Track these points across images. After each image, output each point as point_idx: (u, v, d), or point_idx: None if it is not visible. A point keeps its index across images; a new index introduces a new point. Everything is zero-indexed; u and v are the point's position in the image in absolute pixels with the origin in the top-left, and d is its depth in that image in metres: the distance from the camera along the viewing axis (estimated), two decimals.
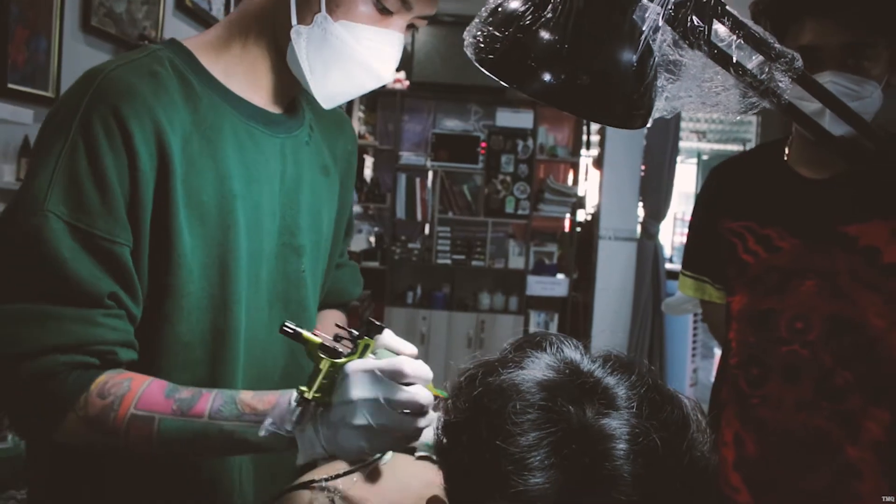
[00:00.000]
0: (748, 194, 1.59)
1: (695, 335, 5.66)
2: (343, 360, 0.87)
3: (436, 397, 0.87)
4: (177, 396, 0.93)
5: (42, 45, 2.41)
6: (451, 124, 5.90)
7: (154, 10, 3.06)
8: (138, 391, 0.92)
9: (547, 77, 0.77)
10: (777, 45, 0.87)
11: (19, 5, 2.26)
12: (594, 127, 6.33)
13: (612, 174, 5.78)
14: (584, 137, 6.25)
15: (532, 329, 6.01)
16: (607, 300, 5.79)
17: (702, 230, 1.71)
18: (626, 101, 0.80)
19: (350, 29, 1.03)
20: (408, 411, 0.85)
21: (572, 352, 0.74)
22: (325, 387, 0.86)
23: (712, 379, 1.68)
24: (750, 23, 0.86)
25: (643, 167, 5.77)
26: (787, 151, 1.56)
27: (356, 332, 0.91)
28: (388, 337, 0.91)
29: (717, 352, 5.31)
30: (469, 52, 0.80)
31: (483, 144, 5.88)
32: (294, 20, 1.03)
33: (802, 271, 1.47)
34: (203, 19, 3.53)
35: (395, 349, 0.90)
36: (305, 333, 0.88)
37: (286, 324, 0.89)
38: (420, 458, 1.02)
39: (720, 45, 0.84)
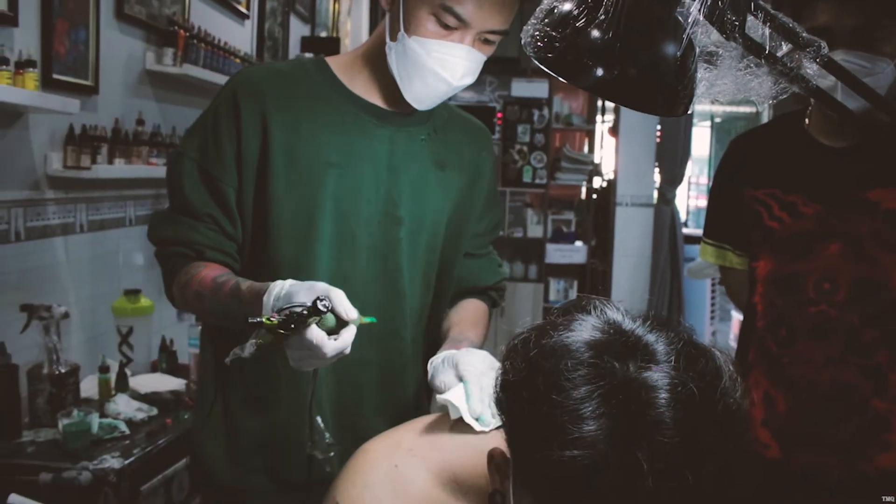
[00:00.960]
0: (771, 163, 1.64)
1: (713, 299, 5.74)
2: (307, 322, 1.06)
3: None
4: (216, 279, 1.26)
5: (81, 35, 2.49)
6: (467, 96, 5.94)
7: None
8: (202, 274, 1.28)
9: (600, 72, 0.85)
10: (804, 34, 0.95)
11: None
12: None
13: (628, 141, 5.81)
14: (599, 105, 6.29)
15: (552, 296, 6.10)
16: (625, 266, 5.86)
17: (724, 199, 1.76)
18: (670, 92, 0.88)
19: (420, 43, 1.26)
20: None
21: (614, 313, 0.82)
22: (267, 340, 1.07)
23: (730, 341, 1.75)
24: (780, 14, 0.93)
25: (658, 133, 5.81)
26: (806, 122, 1.61)
27: (305, 311, 1.07)
28: (337, 296, 1.08)
29: (735, 314, 5.38)
30: (528, 50, 0.89)
31: (499, 115, 5.94)
32: (387, 38, 1.31)
33: (827, 235, 1.53)
34: (226, 2, 3.60)
35: (341, 313, 1.09)
36: (264, 319, 1.06)
37: (249, 318, 1.08)
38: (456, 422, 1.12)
39: (753, 36, 0.92)
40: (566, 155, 6.00)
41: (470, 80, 1.31)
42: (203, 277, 1.27)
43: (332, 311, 1.08)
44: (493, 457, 0.87)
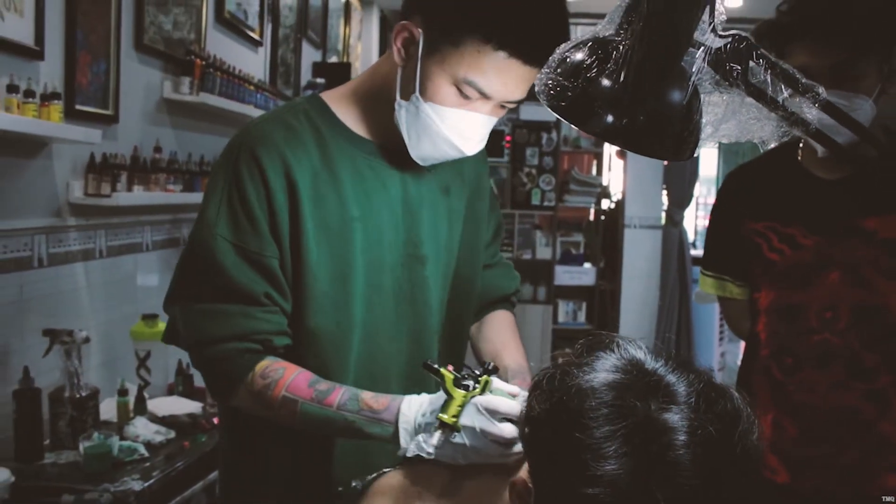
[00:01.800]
0: (768, 196, 1.68)
1: (722, 319, 5.74)
2: (472, 392, 1.07)
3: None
4: (316, 387, 1.19)
5: (102, 66, 2.56)
6: None
7: (197, 24, 3.21)
8: (290, 378, 1.19)
9: (610, 119, 0.90)
10: (804, 80, 1.00)
11: (83, 29, 2.41)
12: None
13: (636, 163, 5.86)
14: None
15: (561, 318, 6.12)
16: (634, 287, 5.89)
17: (723, 231, 1.80)
18: (677, 137, 0.93)
19: (436, 110, 1.21)
20: (495, 441, 1.04)
21: (637, 352, 0.86)
22: (457, 413, 1.06)
23: (738, 362, 1.77)
24: (780, 62, 0.98)
25: None
26: (800, 155, 1.65)
27: (478, 371, 1.10)
28: (496, 381, 1.10)
29: None
30: (542, 98, 0.94)
31: (508, 138, 6.00)
32: (398, 95, 1.24)
33: (827, 265, 1.57)
34: (240, 29, 3.68)
35: (505, 389, 1.09)
36: (443, 370, 1.08)
37: (428, 361, 1.11)
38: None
39: (755, 82, 0.97)
40: (574, 177, 6.05)
41: (482, 146, 1.28)
42: (293, 383, 1.18)
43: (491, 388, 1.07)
44: (515, 485, 0.91)
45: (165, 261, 3.03)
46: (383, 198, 1.30)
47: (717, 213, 1.84)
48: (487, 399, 1.05)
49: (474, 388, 1.07)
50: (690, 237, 6.61)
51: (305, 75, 4.69)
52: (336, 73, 4.86)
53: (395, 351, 1.33)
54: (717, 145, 1.06)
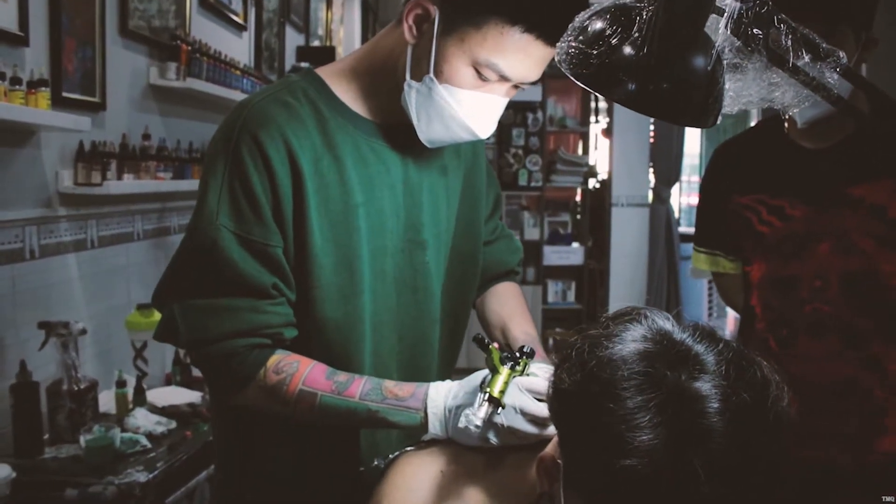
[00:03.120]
0: (755, 169, 1.68)
1: (710, 296, 5.78)
2: (517, 371, 1.07)
3: None
4: (335, 379, 1.15)
5: (88, 53, 2.51)
6: None
7: (181, 9, 3.16)
8: (305, 371, 1.15)
9: (634, 87, 0.88)
10: (825, 45, 0.99)
11: (67, 15, 2.36)
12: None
13: (622, 142, 5.87)
14: (593, 106, 6.33)
15: (551, 298, 6.13)
16: (622, 266, 5.91)
17: (712, 207, 1.80)
18: (701, 104, 0.91)
19: (452, 92, 1.15)
20: (532, 420, 1.04)
21: (665, 323, 0.85)
22: (504, 388, 1.04)
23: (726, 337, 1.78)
24: (801, 27, 0.97)
25: (652, 133, 5.86)
26: (786, 126, 1.65)
27: (517, 353, 1.10)
28: (535, 362, 1.10)
29: (730, 311, 5.43)
30: (563, 66, 0.92)
31: None
32: (408, 75, 1.18)
33: (816, 235, 1.58)
34: (224, 14, 3.62)
35: (542, 372, 1.09)
36: (492, 346, 1.06)
37: (479, 335, 1.08)
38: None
39: (774, 48, 0.96)
40: (561, 157, 6.04)
41: (494, 128, 1.22)
42: (310, 376, 1.14)
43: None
44: (543, 460, 0.90)
45: (157, 250, 2.99)
46: (385, 182, 1.24)
47: (706, 188, 1.84)
48: (530, 380, 1.06)
49: (515, 368, 1.07)
50: (676, 215, 6.63)
51: (289, 59, 4.64)
52: (320, 57, 4.82)
53: (397, 339, 1.30)
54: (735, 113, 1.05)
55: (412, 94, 1.18)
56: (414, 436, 1.17)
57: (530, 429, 1.03)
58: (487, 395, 1.02)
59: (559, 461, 0.87)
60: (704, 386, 0.76)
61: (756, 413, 0.77)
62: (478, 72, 1.14)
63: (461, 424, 1.03)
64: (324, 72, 1.26)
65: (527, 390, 1.05)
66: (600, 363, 0.81)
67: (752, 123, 5.46)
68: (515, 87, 1.20)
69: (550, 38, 1.12)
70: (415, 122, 1.20)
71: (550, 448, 0.92)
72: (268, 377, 1.15)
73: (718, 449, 0.74)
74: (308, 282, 1.18)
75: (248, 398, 1.18)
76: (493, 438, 1.05)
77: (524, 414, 1.03)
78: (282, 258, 1.16)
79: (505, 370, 1.05)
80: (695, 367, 0.78)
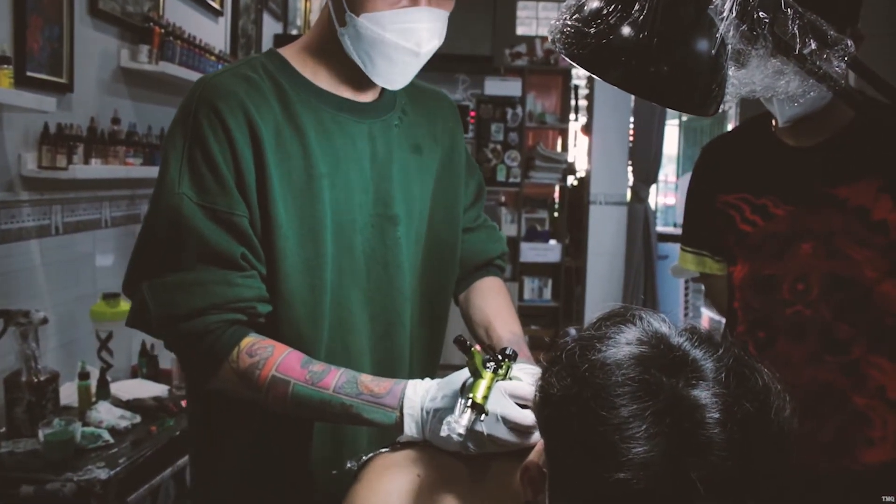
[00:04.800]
0: (741, 167, 1.65)
1: (686, 296, 5.78)
2: (500, 375, 1.01)
3: None
4: (310, 368, 1.09)
5: (55, 32, 2.41)
6: None
7: None
8: (280, 357, 1.10)
9: (633, 69, 0.83)
10: (832, 33, 0.94)
11: None
12: (582, 93, 6.37)
13: (601, 139, 5.84)
14: (573, 103, 6.30)
15: (527, 295, 6.10)
16: (599, 264, 5.89)
17: (698, 206, 1.77)
18: (704, 90, 0.86)
19: (373, 19, 1.13)
20: (514, 428, 0.98)
21: (660, 325, 0.80)
22: (487, 394, 0.98)
23: None
24: (808, 13, 0.92)
25: (631, 131, 5.84)
26: (774, 124, 1.62)
27: (499, 356, 1.03)
28: (518, 363, 1.04)
29: (705, 311, 5.45)
30: (558, 46, 0.86)
31: (472, 113, 5.92)
32: (336, 24, 1.17)
33: (799, 235, 1.54)
34: None
35: (525, 375, 1.04)
36: (474, 349, 1.00)
37: (461, 336, 1.01)
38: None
39: (782, 34, 0.91)
40: (540, 153, 6.01)
41: (437, 42, 1.19)
42: (284, 363, 1.09)
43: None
44: (528, 469, 0.84)
45: (125, 238, 2.90)
46: (351, 154, 1.22)
47: (693, 187, 1.80)
48: (513, 385, 1.00)
49: (498, 372, 1.01)
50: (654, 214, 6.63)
51: (266, 47, 4.54)
52: None
53: (368, 316, 1.25)
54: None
55: (347, 42, 1.17)
56: (388, 436, 1.11)
57: (512, 438, 0.98)
58: (470, 401, 0.96)
59: (545, 470, 0.81)
60: (703, 394, 0.71)
61: (758, 424, 0.72)
62: None
63: (443, 433, 0.96)
64: (285, 50, 1.25)
65: (510, 396, 0.99)
66: (592, 367, 0.75)
67: (730, 123, 5.51)
68: None
69: None
70: (363, 67, 1.18)
71: (535, 456, 0.87)
72: (241, 359, 1.10)
73: (719, 462, 0.69)
74: (275, 253, 1.14)
75: (220, 381, 1.13)
76: (471, 446, 0.99)
77: (506, 422, 0.97)
78: (248, 228, 1.12)
79: (488, 374, 0.99)
80: (693, 373, 0.73)
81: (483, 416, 0.97)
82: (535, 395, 0.82)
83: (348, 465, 1.07)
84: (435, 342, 1.40)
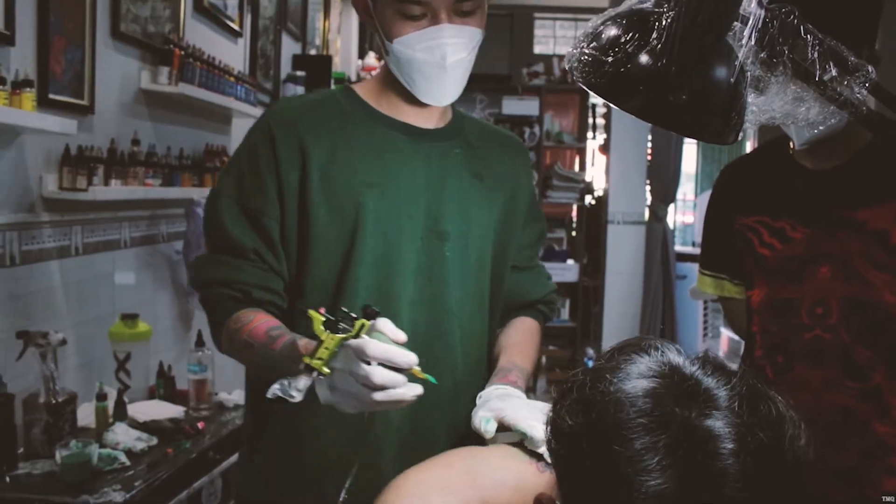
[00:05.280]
0: (759, 190, 1.64)
1: (705, 316, 5.73)
2: (339, 336, 1.04)
3: (422, 380, 1.06)
4: (271, 333, 1.21)
5: (77, 54, 2.44)
6: None
7: (175, 13, 3.10)
8: (254, 324, 1.24)
9: (652, 98, 0.82)
10: (853, 59, 0.93)
11: (56, 15, 2.29)
12: (599, 111, 6.37)
13: (619, 158, 5.83)
14: (590, 122, 6.30)
15: None
16: (617, 284, 5.85)
17: (717, 229, 1.76)
18: (723, 118, 0.85)
19: (403, 42, 1.27)
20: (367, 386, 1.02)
21: (673, 355, 0.79)
22: (325, 356, 1.04)
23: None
24: (828, 39, 0.91)
25: (649, 150, 5.83)
26: (791, 146, 1.60)
27: (354, 315, 1.06)
28: (383, 323, 1.05)
29: (724, 332, 5.40)
30: (576, 74, 0.86)
31: None
32: (383, 54, 1.33)
33: (817, 258, 1.53)
34: (219, 19, 3.56)
35: (388, 334, 1.04)
36: (311, 312, 1.05)
37: (306, 305, 1.10)
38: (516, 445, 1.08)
39: (801, 60, 0.90)
40: (557, 173, 6.00)
41: (465, 54, 1.29)
42: (255, 328, 1.23)
43: (379, 330, 1.03)
44: (541, 502, 0.83)
45: (144, 258, 2.92)
46: (402, 169, 1.34)
47: (711, 210, 1.80)
48: (358, 342, 1.02)
49: (347, 332, 1.03)
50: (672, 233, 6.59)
51: (285, 67, 4.58)
52: (317, 66, 4.76)
53: (408, 325, 1.29)
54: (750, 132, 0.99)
55: (393, 68, 1.32)
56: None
57: (365, 394, 1.01)
58: (304, 364, 1.03)
59: (558, 503, 0.81)
60: (717, 424, 0.71)
61: (773, 453, 0.72)
62: (403, 14, 1.25)
63: (269, 394, 1.04)
64: (357, 86, 1.42)
65: (355, 353, 1.01)
66: (604, 401, 0.75)
67: (749, 143, 5.47)
68: (463, 13, 1.26)
69: None
70: (410, 90, 1.31)
71: (548, 488, 0.86)
72: (230, 326, 1.28)
73: (733, 493, 0.69)
74: (308, 250, 1.30)
75: (223, 345, 1.32)
76: (335, 401, 1.05)
77: (356, 377, 1.01)
78: (272, 229, 1.30)
79: (326, 336, 1.03)
80: (706, 403, 0.73)
81: (321, 378, 1.03)
82: (546, 430, 0.82)
83: (340, 499, 1.08)
84: (481, 368, 1.42)
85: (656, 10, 0.85)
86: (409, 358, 1.03)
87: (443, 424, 1.35)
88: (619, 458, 0.70)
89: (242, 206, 1.30)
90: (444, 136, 1.40)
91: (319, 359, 1.03)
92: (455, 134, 1.42)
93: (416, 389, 1.04)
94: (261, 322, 1.24)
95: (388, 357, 1.01)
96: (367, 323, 1.04)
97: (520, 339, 1.45)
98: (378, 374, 1.00)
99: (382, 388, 1.01)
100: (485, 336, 1.43)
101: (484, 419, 1.16)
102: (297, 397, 1.03)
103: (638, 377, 0.76)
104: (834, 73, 0.91)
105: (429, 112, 1.37)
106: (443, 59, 1.26)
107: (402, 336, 1.04)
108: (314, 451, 1.31)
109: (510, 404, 1.17)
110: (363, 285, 1.30)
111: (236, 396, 2.55)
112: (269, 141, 1.30)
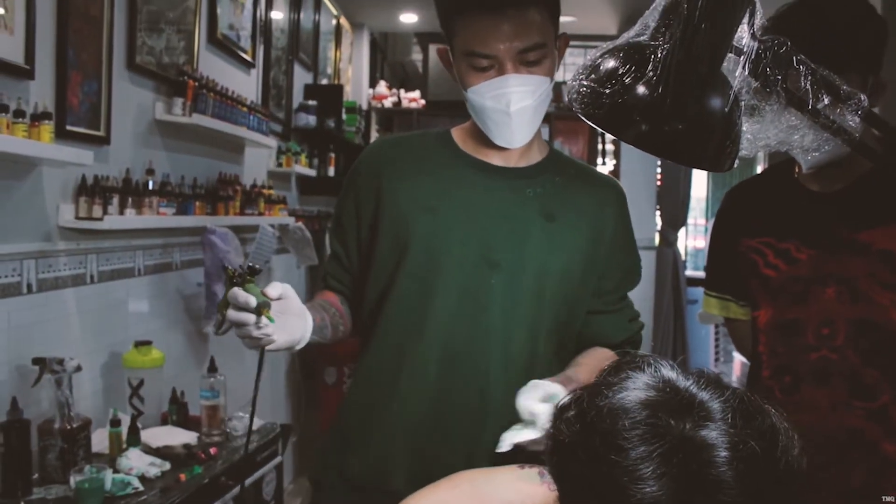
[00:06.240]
0: (764, 212, 1.67)
1: (717, 341, 5.71)
2: (237, 285, 1.25)
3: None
4: (313, 302, 1.49)
5: (94, 86, 2.50)
6: None
7: (189, 44, 3.16)
8: (316, 297, 1.55)
9: (648, 128, 0.85)
10: (845, 87, 0.95)
11: (74, 48, 2.35)
12: (609, 137, 6.41)
13: (629, 183, 5.83)
14: (600, 148, 6.33)
15: None
16: None
17: (722, 250, 1.78)
18: (718, 146, 0.88)
19: (475, 92, 1.40)
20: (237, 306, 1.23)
21: (668, 371, 0.82)
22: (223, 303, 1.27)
23: (732, 383, 1.75)
24: (820, 68, 0.94)
25: (659, 176, 5.85)
26: (797, 170, 1.63)
27: (243, 272, 1.27)
28: (273, 286, 1.28)
29: (737, 356, 5.38)
30: (575, 106, 0.89)
31: None
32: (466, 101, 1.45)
33: (822, 279, 1.55)
34: (232, 50, 3.63)
35: (267, 291, 1.26)
36: (227, 268, 1.26)
37: (225, 266, 1.31)
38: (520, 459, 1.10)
39: (795, 90, 0.93)
40: None
41: (530, 101, 1.38)
42: (315, 298, 1.53)
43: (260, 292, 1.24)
44: None
45: (158, 285, 2.95)
46: (462, 196, 1.47)
47: (716, 232, 1.82)
48: (232, 291, 1.22)
49: (241, 284, 1.24)
50: (683, 258, 6.59)
51: (297, 97, 4.65)
52: (328, 96, 4.83)
53: (441, 343, 1.45)
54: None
55: (473, 114, 1.45)
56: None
57: (240, 315, 1.21)
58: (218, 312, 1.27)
59: None
60: (711, 434, 0.73)
61: (766, 463, 0.74)
62: (471, 65, 1.37)
63: (206, 328, 1.35)
64: (455, 128, 1.55)
65: (230, 298, 1.22)
66: (601, 413, 0.77)
67: (759, 167, 5.50)
68: (528, 63, 1.37)
69: (484, 7, 1.34)
70: (488, 134, 1.43)
71: (550, 500, 0.88)
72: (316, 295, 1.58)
73: (728, 501, 0.71)
74: (369, 263, 1.52)
75: None
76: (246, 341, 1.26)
77: (236, 307, 1.21)
78: (342, 254, 1.58)
79: (229, 287, 1.24)
80: (700, 414, 0.75)
81: (222, 316, 1.25)
82: (546, 443, 0.84)
83: None
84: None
85: (652, 42, 0.88)
86: (248, 300, 1.21)
87: (466, 438, 1.44)
88: (615, 467, 0.72)
89: (338, 221, 1.58)
90: (520, 174, 1.49)
91: (222, 303, 1.25)
92: (537, 173, 1.50)
93: (265, 329, 1.23)
94: (318, 296, 1.55)
95: (234, 300, 1.21)
96: (251, 279, 1.26)
97: (587, 360, 1.52)
98: (231, 314, 1.22)
99: (238, 324, 1.22)
100: (537, 367, 1.48)
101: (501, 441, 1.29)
102: (211, 332, 1.22)
103: (634, 390, 0.79)
104: (827, 101, 0.94)
105: (508, 153, 1.47)
106: (507, 106, 1.37)
107: (272, 292, 1.25)
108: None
109: (525, 393, 1.31)
110: (406, 295, 1.46)
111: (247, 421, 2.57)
112: (352, 190, 1.54)
